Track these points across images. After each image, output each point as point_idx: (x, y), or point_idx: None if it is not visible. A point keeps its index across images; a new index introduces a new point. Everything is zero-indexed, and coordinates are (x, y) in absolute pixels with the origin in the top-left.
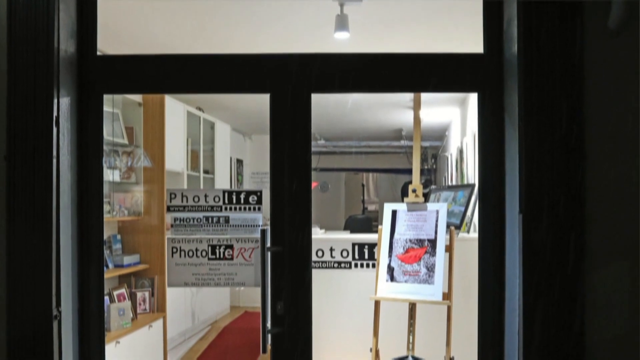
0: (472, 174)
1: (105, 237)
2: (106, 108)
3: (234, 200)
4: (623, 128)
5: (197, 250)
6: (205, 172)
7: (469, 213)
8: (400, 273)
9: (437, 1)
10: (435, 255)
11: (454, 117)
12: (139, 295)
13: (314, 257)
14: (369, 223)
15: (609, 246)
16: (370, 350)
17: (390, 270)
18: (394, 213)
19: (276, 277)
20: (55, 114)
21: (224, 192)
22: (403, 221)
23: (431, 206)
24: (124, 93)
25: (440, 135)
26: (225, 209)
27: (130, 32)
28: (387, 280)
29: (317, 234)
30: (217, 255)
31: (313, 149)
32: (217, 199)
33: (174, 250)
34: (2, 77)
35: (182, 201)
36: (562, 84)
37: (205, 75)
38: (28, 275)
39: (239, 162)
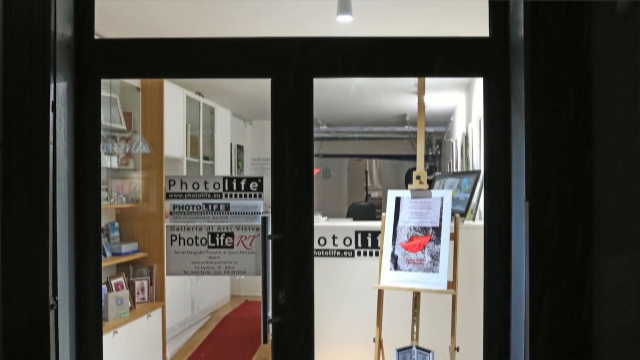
0: (477, 161)
1: (102, 224)
2: (104, 93)
3: (235, 187)
4: (632, 113)
5: (196, 238)
6: (205, 158)
7: (474, 200)
8: (404, 261)
9: None
10: (440, 243)
11: (459, 102)
12: (137, 284)
13: (316, 245)
14: (372, 210)
15: (618, 234)
16: (374, 340)
17: (394, 258)
18: (398, 200)
19: (277, 266)
20: (51, 99)
21: (224, 178)
22: (407, 208)
23: (436, 193)
24: (122, 78)
25: (445, 120)
26: (226, 196)
27: (128, 15)
28: (390, 269)
29: (319, 221)
30: (217, 243)
31: (315, 135)
32: (217, 186)
33: (173, 238)
34: None
35: (181, 188)
36: (569, 69)
37: (205, 60)
38: (24, 263)
39: (240, 148)
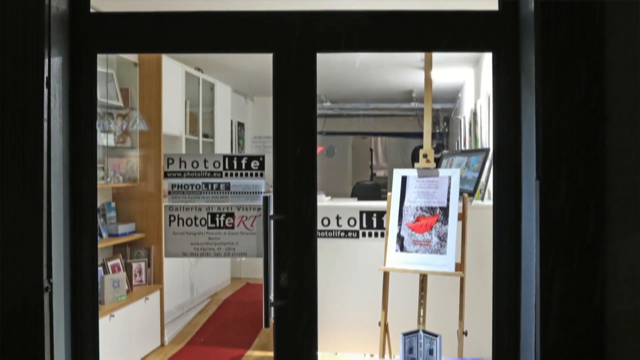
0: (486, 138)
1: (98, 204)
2: (100, 68)
3: (235, 166)
4: None
5: (195, 218)
6: (205, 136)
7: (483, 179)
8: (411, 243)
9: None
10: (448, 224)
11: (467, 78)
12: (135, 266)
13: (319, 226)
14: (378, 190)
15: (631, 214)
16: (379, 324)
17: (400, 239)
18: (404, 179)
19: (279, 247)
20: (46, 74)
21: (224, 157)
22: (413, 188)
23: (443, 172)
24: (118, 52)
25: (452, 97)
26: (226, 175)
27: None
28: (396, 250)
29: (323, 201)
30: (217, 224)
31: (318, 112)
32: (217, 165)
33: (172, 218)
34: None
35: (180, 167)
36: (581, 43)
37: (205, 34)
38: (17, 245)
39: (240, 125)
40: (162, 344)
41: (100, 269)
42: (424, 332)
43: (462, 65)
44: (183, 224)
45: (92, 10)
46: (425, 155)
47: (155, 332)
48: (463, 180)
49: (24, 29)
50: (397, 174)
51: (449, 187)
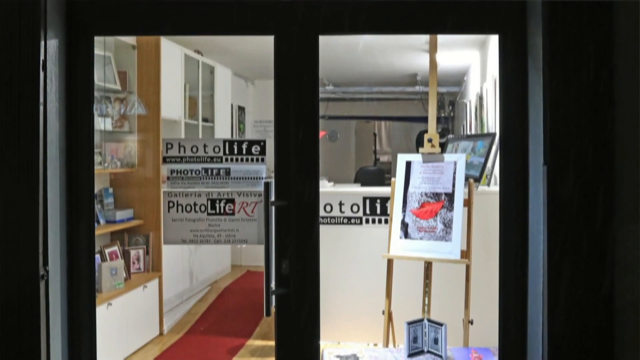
0: (492, 123)
1: (96, 190)
2: (97, 51)
3: (236, 151)
4: None
5: (195, 204)
6: (204, 120)
7: (489, 164)
8: (415, 229)
9: None
10: (453, 210)
11: (473, 60)
12: (133, 253)
13: (321, 212)
14: (381, 175)
15: None
16: (383, 312)
17: (404, 226)
18: (408, 164)
19: (281, 234)
20: (42, 57)
21: (224, 141)
22: (418, 173)
23: (448, 157)
24: (116, 35)
25: (458, 80)
26: (226, 160)
27: None
28: (400, 237)
29: (325, 187)
30: (217, 210)
31: (321, 95)
32: (217, 150)
33: (171, 204)
34: None
35: (179, 152)
36: (590, 25)
37: (205, 16)
38: (12, 232)
39: (241, 109)
40: (161, 333)
41: (97, 256)
42: (429, 321)
43: (468, 48)
44: (182, 210)
45: None
46: (430, 140)
47: (153, 321)
48: (469, 165)
49: (19, 10)
50: (401, 159)
51: (455, 173)
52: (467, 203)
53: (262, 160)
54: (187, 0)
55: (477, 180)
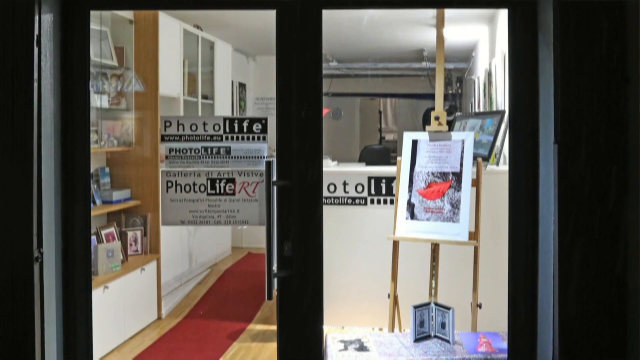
0: (501, 100)
1: (92, 170)
2: (93, 26)
3: (236, 129)
4: None
5: (194, 184)
6: (204, 97)
7: (498, 143)
8: (422, 210)
9: None
10: (461, 190)
11: (482, 36)
12: (130, 235)
13: (325, 192)
14: (387, 154)
15: None
16: (388, 296)
17: (411, 206)
18: (415, 143)
19: (283, 215)
20: (36, 32)
21: (224, 119)
22: (425, 152)
23: (456, 135)
24: (113, 9)
25: (466, 56)
26: (227, 138)
27: None
28: (406, 218)
29: (329, 166)
30: (217, 191)
31: (324, 72)
32: (217, 128)
33: (169, 184)
34: None
35: (178, 130)
36: None
37: None
38: (5, 213)
39: (242, 86)
40: (159, 317)
41: (93, 237)
42: (436, 304)
43: (476, 23)
44: (181, 191)
45: None
46: (437, 118)
47: (151, 304)
48: (477, 144)
49: None
50: (408, 137)
51: (462, 152)
52: (476, 183)
53: (264, 138)
54: None
55: (486, 159)
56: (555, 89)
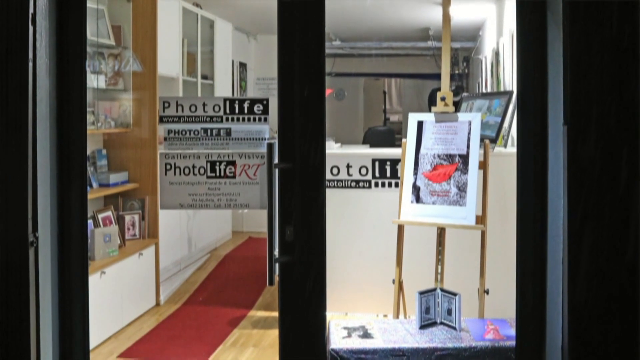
0: (509, 80)
1: (88, 152)
2: (90, 4)
3: (237, 110)
4: None
5: (194, 167)
6: (204, 77)
7: (506, 124)
8: (427, 193)
9: None
10: (468, 173)
11: (489, 14)
12: (128, 218)
13: (328, 175)
14: (392, 136)
15: None
16: (393, 281)
17: (416, 190)
18: (420, 124)
19: (285, 198)
20: (31, 10)
21: (225, 100)
22: (430, 134)
23: (463, 116)
24: None
25: (473, 35)
26: (227, 119)
27: None
28: (412, 202)
29: (332, 148)
30: (217, 173)
31: (327, 51)
32: (217, 109)
33: (168, 167)
34: None
35: (176, 111)
36: None
37: None
38: (0, 196)
39: (243, 66)
40: (158, 304)
41: (90, 221)
42: (442, 290)
43: (484, 1)
44: (180, 173)
45: None
46: (443, 99)
47: (149, 290)
48: (484, 125)
49: None
50: (413, 118)
51: (469, 133)
52: (483, 165)
53: (265, 120)
54: None
55: (493, 141)
56: (564, 69)
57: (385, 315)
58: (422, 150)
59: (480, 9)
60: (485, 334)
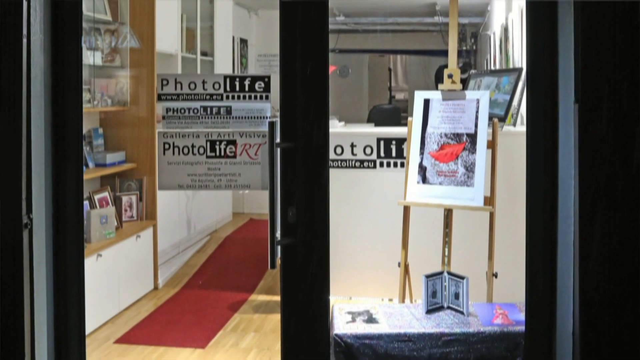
0: (518, 57)
1: (84, 131)
2: None
3: (237, 88)
4: None
5: (193, 146)
6: (203, 54)
7: (515, 103)
8: (434, 173)
9: None
10: (476, 153)
11: None
12: (125, 199)
13: (331, 155)
14: (397, 114)
15: None
16: (399, 264)
17: (422, 170)
18: (427, 102)
19: (287, 179)
20: None
21: (225, 77)
22: (437, 112)
23: (470, 94)
24: None
25: (481, 10)
26: (227, 97)
27: None
28: (418, 182)
29: (336, 127)
30: (217, 153)
31: (331, 27)
32: (217, 86)
33: (166, 146)
34: None
35: (175, 88)
36: None
37: None
38: None
39: (243, 42)
40: (156, 287)
41: (86, 202)
42: (449, 273)
43: None
44: (179, 153)
45: None
46: (450, 76)
47: (147, 273)
48: (493, 103)
49: None
50: (419, 96)
51: (477, 112)
52: (491, 145)
53: (267, 97)
54: None
55: (502, 119)
56: (575, 46)
57: (390, 300)
58: (429, 129)
59: None
60: (493, 319)
